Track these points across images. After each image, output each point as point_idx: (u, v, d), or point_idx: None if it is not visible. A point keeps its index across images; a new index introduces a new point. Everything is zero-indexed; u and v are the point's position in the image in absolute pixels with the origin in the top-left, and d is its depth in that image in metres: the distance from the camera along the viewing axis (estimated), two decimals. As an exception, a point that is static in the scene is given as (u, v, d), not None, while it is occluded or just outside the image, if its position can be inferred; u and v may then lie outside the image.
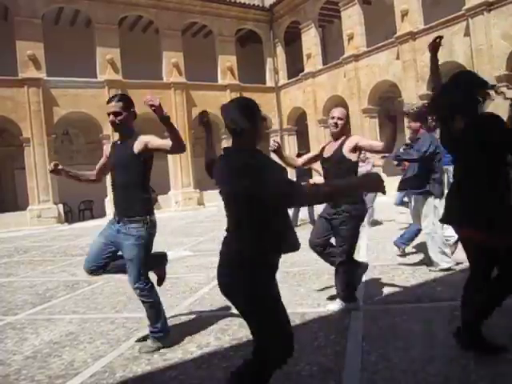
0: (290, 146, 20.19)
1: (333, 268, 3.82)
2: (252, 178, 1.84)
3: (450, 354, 2.72)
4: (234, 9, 19.06)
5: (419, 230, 5.27)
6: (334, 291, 4.30)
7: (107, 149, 3.38)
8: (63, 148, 18.11)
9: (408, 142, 5.15)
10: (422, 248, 5.95)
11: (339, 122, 3.76)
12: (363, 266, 3.93)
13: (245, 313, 2.02)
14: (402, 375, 2.51)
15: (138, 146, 3.08)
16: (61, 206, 15.59)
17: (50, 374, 2.94)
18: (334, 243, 3.84)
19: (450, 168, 4.66)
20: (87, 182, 3.66)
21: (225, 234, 2.09)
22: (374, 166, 8.63)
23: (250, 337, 2.15)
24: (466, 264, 4.75)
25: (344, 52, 16.85)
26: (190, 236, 9.55)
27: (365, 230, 8.21)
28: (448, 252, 4.82)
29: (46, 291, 5.42)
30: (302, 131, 20.07)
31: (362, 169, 8.43)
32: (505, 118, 2.65)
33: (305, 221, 9.92)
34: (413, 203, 5.15)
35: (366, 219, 8.26)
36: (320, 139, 18.37)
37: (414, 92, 14.24)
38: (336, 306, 3.75)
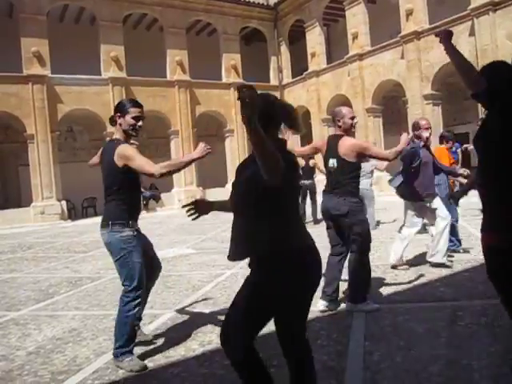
0: (293, 145, 20.17)
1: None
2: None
3: (452, 353, 2.71)
4: (238, 7, 19.05)
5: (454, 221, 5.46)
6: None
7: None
8: (67, 145, 18.17)
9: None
10: (425, 247, 5.95)
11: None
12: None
13: None
14: (405, 375, 2.51)
15: (117, 159, 2.91)
16: (64, 203, 15.64)
17: (53, 369, 2.95)
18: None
19: None
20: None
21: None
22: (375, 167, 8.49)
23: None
24: (468, 264, 4.75)
25: (348, 51, 16.82)
26: (192, 234, 9.57)
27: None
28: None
29: (49, 287, 5.44)
30: (306, 130, 20.04)
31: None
32: None
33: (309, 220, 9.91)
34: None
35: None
36: (324, 138, 18.37)
37: (419, 91, 14.21)
38: (321, 305, 3.71)
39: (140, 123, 3.06)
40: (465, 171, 4.98)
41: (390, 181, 5.24)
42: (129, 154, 2.87)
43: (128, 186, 2.99)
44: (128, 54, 16.63)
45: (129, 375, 2.80)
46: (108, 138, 15.91)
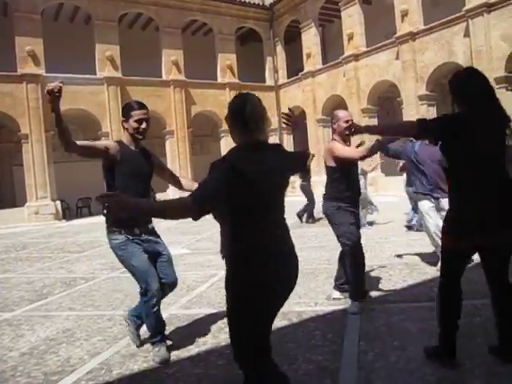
0: (289, 145, 20.19)
1: (330, 267, 3.85)
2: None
3: (446, 353, 2.72)
4: (234, 7, 19.05)
5: None
6: (330, 290, 4.32)
7: (115, 147, 3.01)
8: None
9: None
10: (420, 248, 5.98)
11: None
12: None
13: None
14: (399, 374, 2.52)
15: (154, 161, 3.26)
16: (58, 203, 15.56)
17: (46, 370, 2.94)
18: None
19: None
20: (66, 142, 2.96)
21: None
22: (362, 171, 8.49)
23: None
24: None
25: (344, 52, 16.85)
26: (187, 234, 9.55)
27: (362, 230, 8.22)
28: None
29: (42, 288, 5.41)
30: (300, 130, 20.05)
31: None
32: None
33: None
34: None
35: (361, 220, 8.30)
36: (319, 138, 18.41)
37: (413, 92, 14.26)
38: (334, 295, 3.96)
39: (143, 125, 3.03)
40: None
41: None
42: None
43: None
44: (123, 54, 16.57)
45: (123, 376, 2.79)
46: (103, 138, 15.90)
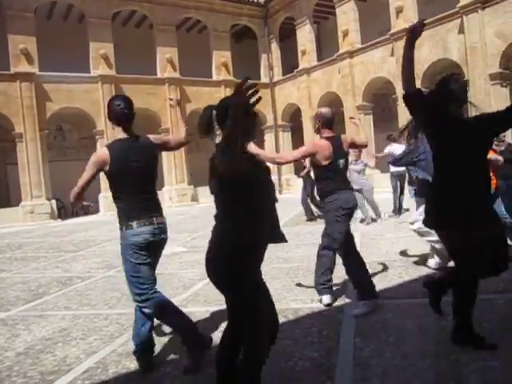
0: (285, 143, 20.21)
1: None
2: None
3: (441, 349, 2.74)
4: (228, 4, 18.98)
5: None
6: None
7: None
8: (56, 143, 18.00)
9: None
10: (415, 245, 6.00)
11: (315, 121, 3.95)
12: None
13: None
14: (394, 370, 2.53)
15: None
16: (54, 202, 15.50)
17: (43, 370, 2.93)
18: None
19: None
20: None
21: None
22: (365, 165, 8.66)
23: (243, 332, 2.15)
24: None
25: (339, 48, 16.84)
26: (183, 232, 9.54)
27: (357, 227, 8.25)
28: None
29: (38, 287, 5.39)
30: (296, 127, 20.07)
31: (356, 167, 8.48)
32: None
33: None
34: None
35: (364, 216, 8.35)
36: (315, 136, 18.41)
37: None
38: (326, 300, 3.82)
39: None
40: None
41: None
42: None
43: (115, 190, 2.87)
44: (117, 52, 16.49)
45: (119, 374, 2.79)
46: (98, 137, 15.84)
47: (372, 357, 2.71)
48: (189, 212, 14.68)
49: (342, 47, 16.71)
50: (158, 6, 17.40)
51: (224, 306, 2.59)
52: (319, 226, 8.92)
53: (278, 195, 19.36)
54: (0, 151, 16.90)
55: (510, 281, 3.95)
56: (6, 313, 4.37)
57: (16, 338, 3.58)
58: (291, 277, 4.91)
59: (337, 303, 3.81)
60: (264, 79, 20.60)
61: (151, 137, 3.05)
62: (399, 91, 14.68)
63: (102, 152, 2.83)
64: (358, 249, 6.15)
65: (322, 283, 3.81)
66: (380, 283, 4.31)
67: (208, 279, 2.22)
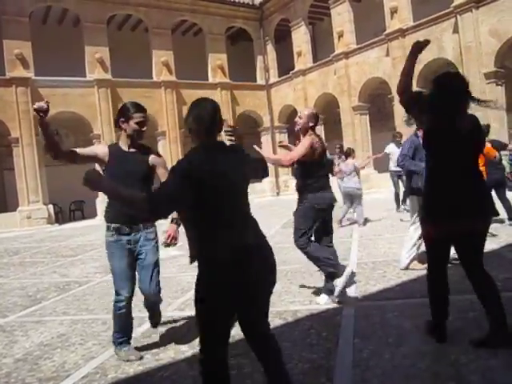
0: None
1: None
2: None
3: (440, 349, 2.73)
4: (223, 7, 19.00)
5: None
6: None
7: (103, 149, 3.09)
8: (53, 148, 17.92)
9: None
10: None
11: (299, 121, 4.01)
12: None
13: None
14: (394, 371, 2.52)
15: (151, 161, 3.12)
16: (51, 207, 15.46)
17: (41, 376, 2.92)
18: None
19: None
20: (63, 155, 3.06)
21: None
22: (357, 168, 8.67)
23: (242, 335, 2.15)
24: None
25: (334, 49, 16.88)
26: (180, 235, 9.52)
27: (355, 228, 8.26)
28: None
29: (36, 293, 5.37)
30: (293, 129, 20.03)
31: (346, 168, 8.54)
32: None
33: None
34: None
35: (358, 218, 8.37)
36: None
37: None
38: (322, 299, 3.88)
39: (144, 128, 3.07)
40: None
41: None
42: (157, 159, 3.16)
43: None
44: (113, 56, 16.49)
45: (118, 380, 2.78)
46: (95, 141, 15.80)
47: (371, 358, 2.71)
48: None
49: (337, 48, 16.75)
50: (153, 9, 17.40)
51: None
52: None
53: (275, 197, 19.35)
54: (-4, 156, 16.85)
55: (507, 280, 3.96)
56: (3, 319, 4.35)
57: (14, 345, 3.57)
58: (289, 279, 4.90)
59: (335, 305, 3.80)
60: (260, 81, 20.63)
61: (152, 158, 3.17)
62: (395, 91, 14.70)
63: None
64: (356, 249, 6.19)
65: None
66: (378, 284, 4.31)
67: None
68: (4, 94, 14.67)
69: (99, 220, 15.05)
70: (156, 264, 3.09)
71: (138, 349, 3.22)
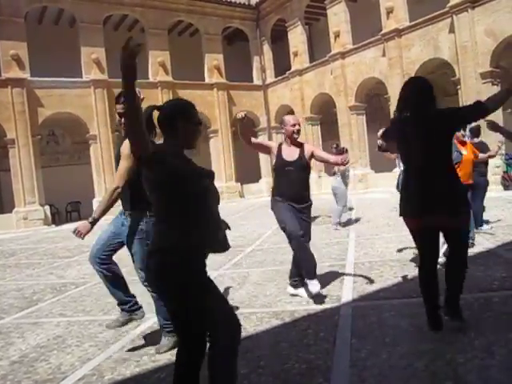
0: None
1: (322, 265, 3.85)
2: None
3: (437, 348, 2.73)
4: (220, 7, 19.00)
5: None
6: (323, 289, 4.32)
7: None
8: (49, 149, 17.91)
9: None
10: (410, 244, 6.01)
11: (300, 129, 4.18)
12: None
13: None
14: (391, 371, 2.52)
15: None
16: (47, 208, 15.40)
17: (37, 378, 2.90)
18: None
19: None
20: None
21: None
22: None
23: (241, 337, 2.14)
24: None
25: (331, 49, 16.90)
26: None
27: (352, 228, 8.26)
28: None
29: (32, 294, 5.35)
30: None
31: (336, 182, 8.59)
32: None
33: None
34: None
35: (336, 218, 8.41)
36: (308, 136, 18.45)
37: (400, 89, 14.31)
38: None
39: (123, 120, 3.06)
40: None
41: None
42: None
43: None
44: (109, 56, 16.42)
45: (115, 381, 2.76)
46: (92, 142, 15.73)
47: (369, 357, 2.70)
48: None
49: (333, 48, 16.78)
50: (149, 9, 17.37)
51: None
52: (313, 227, 8.93)
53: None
54: (-8, 158, 16.79)
55: (504, 279, 3.97)
56: (-1, 321, 4.33)
57: (10, 347, 3.55)
58: (286, 279, 4.89)
59: (332, 305, 3.80)
60: (256, 81, 20.63)
61: None
62: (391, 91, 14.75)
63: None
64: (353, 249, 6.19)
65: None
66: (375, 283, 4.32)
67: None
68: (0, 94, 14.61)
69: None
70: (140, 256, 3.18)
71: (134, 350, 3.22)
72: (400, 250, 5.71)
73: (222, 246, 2.07)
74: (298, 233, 3.87)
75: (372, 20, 15.64)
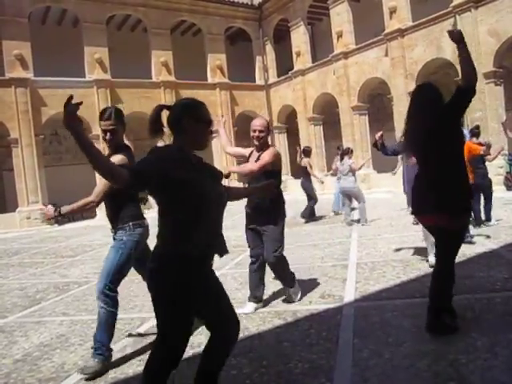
0: (281, 144, 20.20)
1: (324, 265, 3.84)
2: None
3: (440, 349, 2.73)
4: (222, 7, 19.01)
5: None
6: (326, 289, 4.33)
7: None
8: (52, 148, 17.96)
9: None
10: (412, 245, 6.01)
11: (261, 135, 3.82)
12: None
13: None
14: (393, 371, 2.52)
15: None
16: (50, 207, 15.41)
17: (40, 377, 2.91)
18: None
19: None
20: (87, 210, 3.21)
21: None
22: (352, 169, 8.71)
23: (242, 335, 2.15)
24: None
25: (333, 49, 16.89)
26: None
27: (355, 228, 8.26)
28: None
29: (35, 293, 5.37)
30: (292, 129, 20.09)
31: (348, 183, 8.61)
32: None
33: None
34: None
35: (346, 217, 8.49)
36: (310, 137, 18.45)
37: (403, 89, 14.32)
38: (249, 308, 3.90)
39: (108, 136, 3.03)
40: None
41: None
42: (120, 158, 3.02)
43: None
44: (112, 56, 16.48)
45: (117, 380, 2.77)
46: (94, 141, 15.81)
47: (371, 357, 2.71)
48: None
49: (336, 48, 16.76)
50: (152, 9, 17.40)
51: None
52: (316, 226, 8.94)
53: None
54: (-5, 157, 16.85)
55: (507, 279, 3.97)
56: (3, 320, 4.35)
57: (13, 345, 3.56)
58: (289, 278, 4.90)
59: (335, 304, 3.81)
60: (259, 81, 20.63)
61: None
62: (394, 91, 14.73)
63: None
64: (356, 249, 6.19)
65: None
66: (378, 284, 4.31)
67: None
68: (3, 94, 14.65)
69: (98, 220, 15.05)
70: (110, 262, 3.02)
71: (137, 350, 3.22)
72: (402, 251, 5.70)
73: (221, 250, 2.11)
74: (252, 255, 3.95)
75: (375, 20, 15.61)
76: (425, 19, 13.58)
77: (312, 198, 9.94)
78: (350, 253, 5.98)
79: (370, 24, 16.05)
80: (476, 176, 6.29)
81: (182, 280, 1.91)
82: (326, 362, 2.72)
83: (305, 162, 10.06)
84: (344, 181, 8.65)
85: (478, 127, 7.01)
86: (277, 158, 3.82)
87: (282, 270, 3.94)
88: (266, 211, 3.78)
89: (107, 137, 3.04)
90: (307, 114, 18.51)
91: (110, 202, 3.09)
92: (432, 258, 4.74)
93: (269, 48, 20.37)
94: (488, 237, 5.91)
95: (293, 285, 4.01)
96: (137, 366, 2.94)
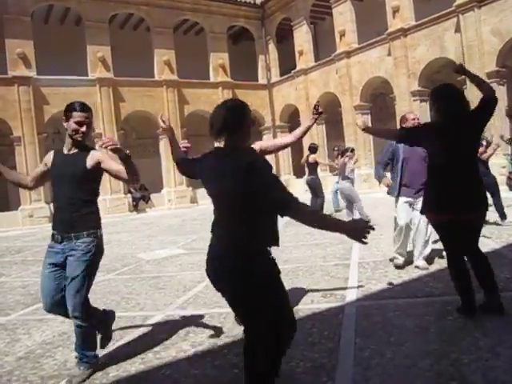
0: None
1: (326, 265, 3.84)
2: (260, 174, 1.97)
3: (442, 348, 2.73)
4: (225, 6, 19.00)
5: None
6: (328, 288, 4.33)
7: (49, 157, 3.01)
8: (54, 147, 17.68)
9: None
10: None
11: None
12: None
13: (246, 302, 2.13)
14: (395, 370, 2.52)
15: (89, 162, 2.84)
16: (53, 206, 15.46)
17: (43, 374, 2.92)
18: None
19: None
20: (17, 184, 3.26)
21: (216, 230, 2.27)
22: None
23: (244, 334, 2.15)
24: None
25: (336, 49, 16.87)
26: (183, 234, 9.53)
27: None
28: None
29: (38, 291, 5.35)
30: (294, 128, 20.04)
31: (342, 185, 8.70)
32: None
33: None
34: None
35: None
36: (313, 136, 18.42)
37: (406, 88, 14.30)
38: None
39: (83, 129, 2.83)
40: None
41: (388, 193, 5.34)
42: (101, 155, 2.94)
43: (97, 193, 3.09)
44: (115, 55, 16.51)
45: (120, 378, 2.78)
46: (97, 140, 15.84)
47: (373, 357, 2.71)
48: (188, 214, 14.67)
49: (339, 47, 16.74)
50: (154, 8, 17.42)
51: (224, 309, 2.59)
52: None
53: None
54: (-2, 155, 16.89)
55: (509, 280, 3.96)
56: (5, 317, 4.36)
57: (16, 343, 3.58)
58: (291, 278, 4.90)
59: (337, 304, 3.81)
60: (261, 80, 20.63)
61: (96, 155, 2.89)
62: (397, 90, 14.70)
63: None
64: (357, 249, 6.19)
65: None
66: (380, 283, 4.31)
67: (207, 281, 2.22)
68: (6, 92, 14.70)
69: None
70: (75, 278, 2.74)
71: (139, 348, 3.23)
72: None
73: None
74: None
75: (378, 19, 15.59)
76: (428, 18, 13.56)
77: (319, 195, 9.98)
78: (352, 252, 5.98)
79: (373, 23, 16.03)
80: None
81: (277, 270, 2.16)
82: (328, 361, 2.73)
83: (312, 158, 10.08)
84: (340, 183, 8.90)
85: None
86: None
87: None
88: None
89: (83, 129, 2.83)
90: (309, 113, 18.46)
91: (71, 205, 2.93)
92: (421, 262, 4.70)
93: (271, 47, 20.36)
94: (488, 237, 5.91)
95: None
96: (139, 364, 2.94)
